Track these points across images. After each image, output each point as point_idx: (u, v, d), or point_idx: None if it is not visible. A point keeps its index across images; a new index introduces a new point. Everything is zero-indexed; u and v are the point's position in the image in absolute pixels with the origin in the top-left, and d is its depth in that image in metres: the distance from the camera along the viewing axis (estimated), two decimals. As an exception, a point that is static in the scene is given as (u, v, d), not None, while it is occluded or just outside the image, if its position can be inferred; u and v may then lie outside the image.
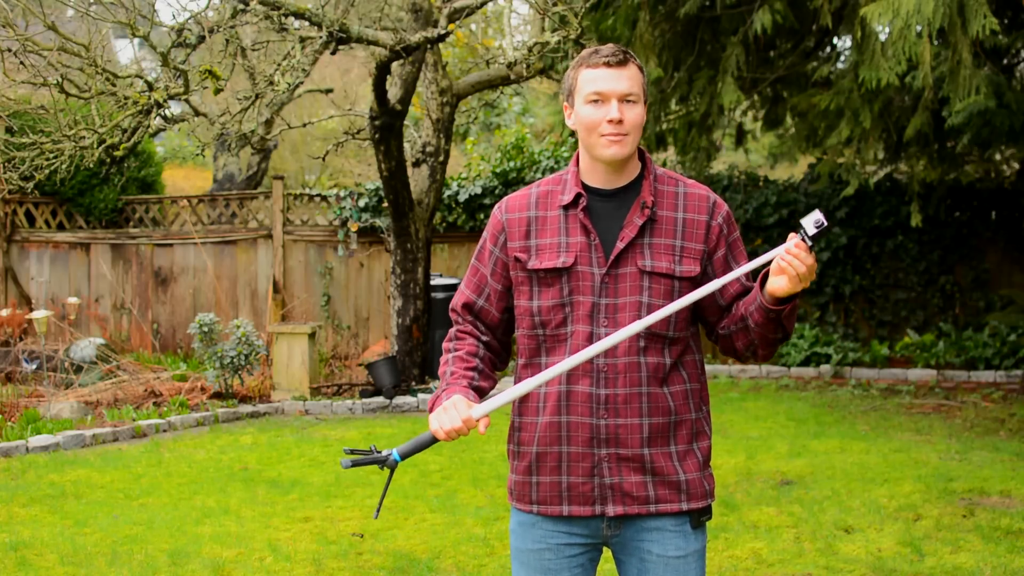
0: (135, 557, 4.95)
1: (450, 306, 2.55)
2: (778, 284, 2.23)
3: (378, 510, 2.33)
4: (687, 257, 2.35)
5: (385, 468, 2.28)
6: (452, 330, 2.53)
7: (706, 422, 2.43)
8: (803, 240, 2.19)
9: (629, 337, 2.30)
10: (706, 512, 2.41)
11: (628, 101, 2.32)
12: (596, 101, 2.32)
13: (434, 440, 2.28)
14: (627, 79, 2.31)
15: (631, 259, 2.34)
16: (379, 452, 2.28)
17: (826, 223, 2.15)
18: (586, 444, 2.35)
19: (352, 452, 2.28)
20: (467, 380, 2.38)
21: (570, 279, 2.35)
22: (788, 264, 2.19)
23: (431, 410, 2.34)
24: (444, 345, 2.52)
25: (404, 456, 2.28)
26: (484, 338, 2.50)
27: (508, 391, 2.29)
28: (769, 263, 2.27)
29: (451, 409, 2.26)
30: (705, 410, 2.44)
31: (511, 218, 2.44)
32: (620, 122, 2.30)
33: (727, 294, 2.40)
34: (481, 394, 2.39)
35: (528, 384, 2.28)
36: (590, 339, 2.33)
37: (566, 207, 2.39)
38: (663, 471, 2.35)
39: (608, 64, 2.31)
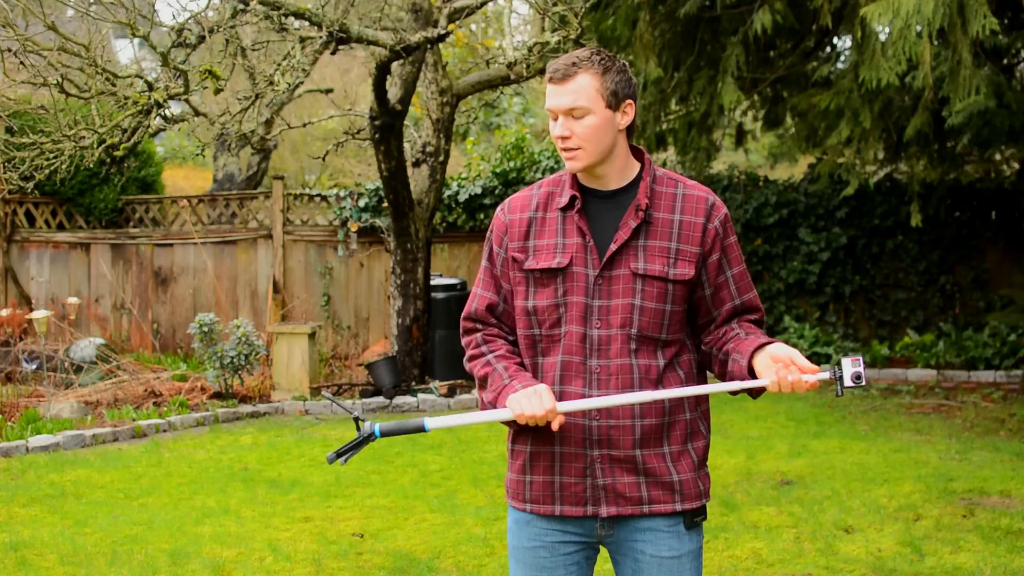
0: (135, 557, 4.95)
1: (465, 314, 2.50)
2: (764, 383, 2.25)
3: (339, 455, 2.31)
4: (681, 260, 2.35)
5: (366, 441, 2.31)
6: (477, 336, 2.47)
7: (702, 422, 2.42)
8: (837, 384, 2.20)
9: (621, 343, 2.32)
10: (700, 512, 2.40)
11: (573, 116, 2.32)
12: (553, 118, 2.36)
13: (419, 429, 2.30)
14: (569, 93, 2.31)
15: (624, 261, 2.34)
16: (361, 427, 2.30)
17: (864, 382, 2.17)
18: (578, 445, 2.35)
19: (338, 453, 2.30)
20: (527, 373, 2.38)
21: (565, 280, 2.36)
22: (784, 387, 2.22)
23: (495, 403, 2.33)
24: (473, 352, 2.46)
25: (385, 434, 2.30)
26: (511, 338, 2.47)
27: (592, 400, 2.28)
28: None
29: (535, 396, 2.25)
30: (701, 409, 2.43)
31: (513, 219, 2.45)
32: (567, 138, 2.32)
33: (718, 303, 2.40)
34: None
35: (606, 400, 2.27)
36: (583, 340, 2.34)
37: (563, 209, 2.40)
38: (656, 472, 2.35)
39: (552, 80, 2.34)
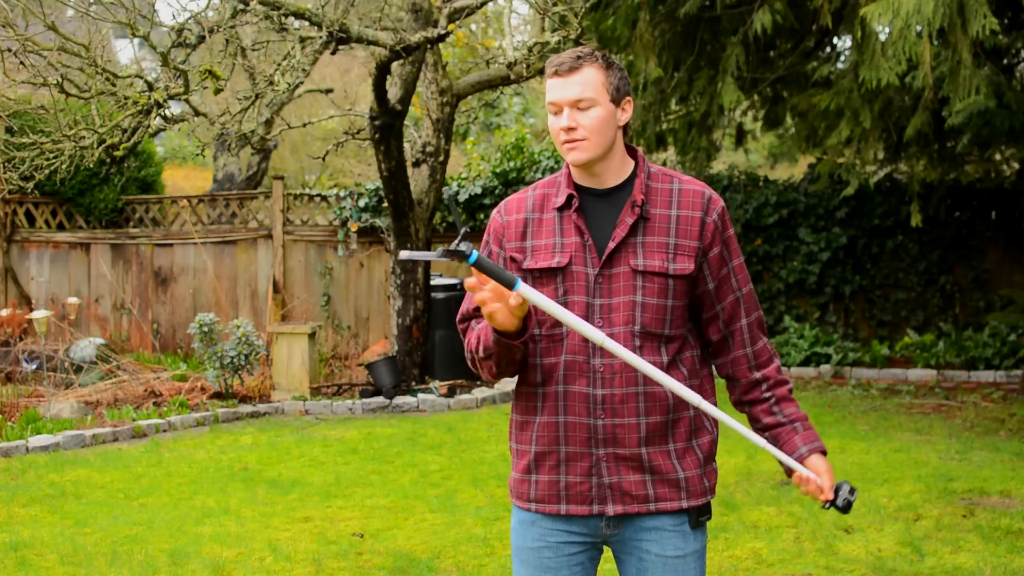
0: (135, 557, 4.95)
1: (459, 316, 2.50)
2: (795, 468, 2.37)
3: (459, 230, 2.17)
4: (681, 255, 2.35)
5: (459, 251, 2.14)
6: (470, 326, 2.47)
7: (707, 417, 2.42)
8: (832, 499, 2.35)
9: (625, 340, 2.32)
10: (705, 511, 2.41)
11: (580, 108, 2.33)
12: (555, 112, 2.36)
13: (511, 285, 2.16)
14: (577, 85, 2.32)
15: (624, 258, 2.34)
16: (460, 245, 2.14)
17: (852, 500, 2.34)
18: (584, 444, 2.35)
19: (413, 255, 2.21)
20: None
21: (565, 279, 2.36)
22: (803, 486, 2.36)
23: (486, 342, 2.29)
24: (468, 339, 2.43)
25: (479, 265, 2.13)
26: None
27: (556, 305, 2.19)
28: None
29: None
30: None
31: (509, 220, 2.45)
32: (573, 129, 2.32)
33: (721, 296, 2.41)
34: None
35: (571, 317, 2.20)
36: (586, 339, 2.33)
37: (560, 209, 2.40)
38: (661, 469, 2.35)
39: (557, 73, 2.34)
